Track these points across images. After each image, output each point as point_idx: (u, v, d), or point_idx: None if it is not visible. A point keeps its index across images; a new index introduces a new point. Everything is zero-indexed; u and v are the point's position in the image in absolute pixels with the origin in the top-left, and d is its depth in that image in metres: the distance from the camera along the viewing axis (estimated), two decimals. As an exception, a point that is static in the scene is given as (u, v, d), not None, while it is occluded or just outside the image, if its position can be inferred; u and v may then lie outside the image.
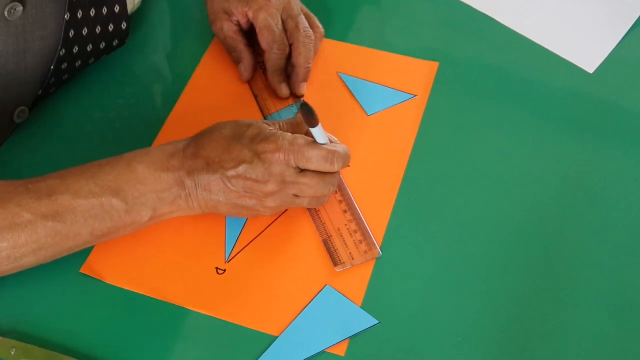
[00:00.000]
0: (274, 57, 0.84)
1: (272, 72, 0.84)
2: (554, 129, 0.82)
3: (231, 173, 0.69)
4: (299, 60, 0.84)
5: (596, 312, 0.70)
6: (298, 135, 0.71)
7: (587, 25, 0.92)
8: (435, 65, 0.88)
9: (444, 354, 0.67)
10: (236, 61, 0.87)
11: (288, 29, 0.85)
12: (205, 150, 0.70)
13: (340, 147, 0.72)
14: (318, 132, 0.70)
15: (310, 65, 0.85)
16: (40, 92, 0.81)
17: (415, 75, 0.87)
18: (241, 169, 0.68)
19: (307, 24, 0.86)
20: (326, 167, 0.71)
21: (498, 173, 0.79)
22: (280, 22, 0.85)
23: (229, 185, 0.69)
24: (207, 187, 0.69)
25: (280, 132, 0.71)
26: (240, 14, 0.86)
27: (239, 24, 0.87)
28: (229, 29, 0.86)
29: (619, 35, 0.90)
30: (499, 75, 0.87)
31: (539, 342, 0.68)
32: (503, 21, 0.92)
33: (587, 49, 0.89)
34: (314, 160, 0.70)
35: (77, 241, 0.67)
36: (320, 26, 0.88)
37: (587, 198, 0.77)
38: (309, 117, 0.69)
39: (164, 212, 0.70)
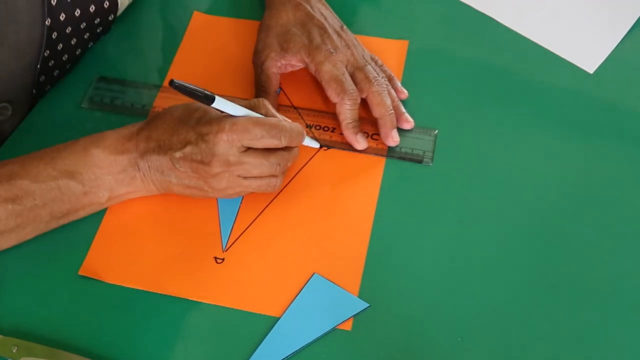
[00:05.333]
0: (345, 108, 0.80)
1: (345, 124, 0.80)
2: (554, 129, 0.83)
3: (178, 154, 0.71)
4: (380, 110, 0.80)
5: (596, 312, 0.70)
6: (241, 117, 0.71)
7: (587, 25, 0.92)
8: (405, 44, 0.89)
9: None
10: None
11: (357, 82, 0.81)
12: (157, 132, 0.72)
13: (287, 123, 0.72)
14: (223, 106, 0.70)
15: (393, 111, 0.81)
16: (34, 91, 0.82)
17: (388, 55, 0.88)
18: (187, 150, 0.71)
19: (375, 73, 0.82)
20: (272, 142, 0.71)
21: (497, 172, 0.79)
22: (346, 73, 0.81)
23: (177, 166, 0.71)
24: (159, 168, 0.72)
25: (226, 114, 0.71)
26: (298, 61, 0.82)
27: (281, 67, 0.84)
28: (270, 66, 0.83)
29: (619, 36, 0.90)
30: (498, 75, 0.87)
31: (539, 342, 0.68)
32: (503, 21, 0.92)
33: (587, 49, 0.89)
34: (258, 135, 0.70)
35: (37, 223, 0.71)
36: (388, 70, 0.86)
37: (587, 198, 0.77)
38: (188, 94, 0.68)
39: (121, 192, 0.74)
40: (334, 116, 0.82)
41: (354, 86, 0.80)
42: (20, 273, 0.73)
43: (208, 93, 0.68)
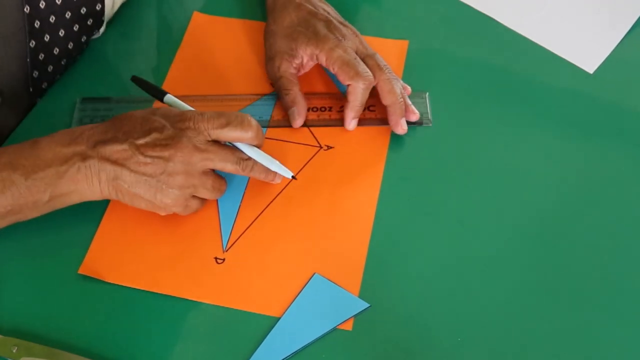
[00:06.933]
0: (359, 89, 0.79)
1: (352, 105, 0.80)
2: (554, 129, 0.83)
3: (140, 141, 0.69)
4: (391, 98, 0.80)
5: (596, 313, 0.70)
6: (207, 111, 0.72)
7: (587, 25, 0.92)
8: (405, 44, 0.90)
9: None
10: (287, 105, 0.82)
11: (368, 68, 0.81)
12: (117, 125, 0.71)
13: (252, 119, 0.73)
14: (173, 102, 0.73)
15: (402, 99, 0.81)
16: (31, 89, 0.82)
17: (388, 55, 0.87)
18: (152, 135, 0.70)
19: (384, 62, 0.82)
20: (236, 132, 0.71)
21: (497, 172, 0.79)
22: (358, 57, 0.81)
23: (137, 154, 0.69)
24: (111, 157, 0.69)
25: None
26: (308, 56, 0.82)
27: (297, 67, 0.84)
28: (286, 69, 0.83)
29: (619, 35, 0.90)
30: (498, 76, 0.87)
31: (539, 342, 0.68)
32: (503, 21, 0.92)
33: (587, 49, 0.89)
34: (223, 122, 0.71)
35: None
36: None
37: (587, 198, 0.77)
38: (145, 87, 0.72)
39: (63, 190, 0.70)
40: (325, 96, 0.84)
41: (367, 69, 0.80)
42: (20, 273, 0.73)
43: (161, 89, 0.75)
